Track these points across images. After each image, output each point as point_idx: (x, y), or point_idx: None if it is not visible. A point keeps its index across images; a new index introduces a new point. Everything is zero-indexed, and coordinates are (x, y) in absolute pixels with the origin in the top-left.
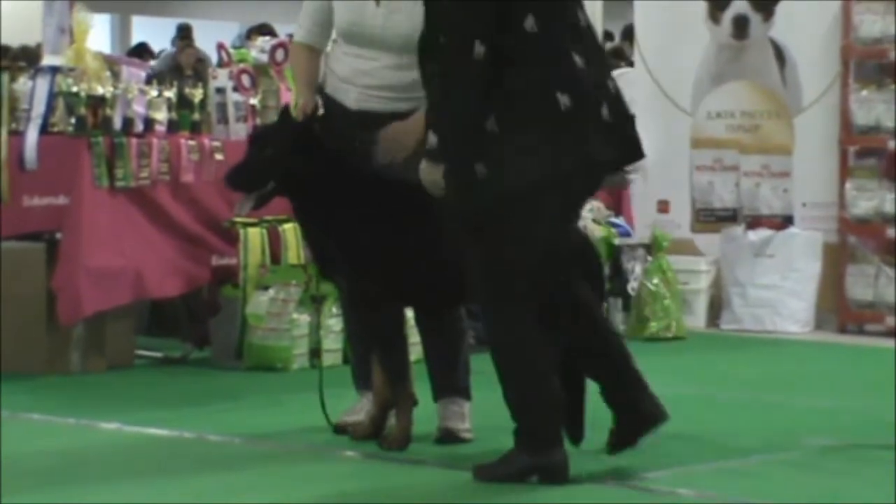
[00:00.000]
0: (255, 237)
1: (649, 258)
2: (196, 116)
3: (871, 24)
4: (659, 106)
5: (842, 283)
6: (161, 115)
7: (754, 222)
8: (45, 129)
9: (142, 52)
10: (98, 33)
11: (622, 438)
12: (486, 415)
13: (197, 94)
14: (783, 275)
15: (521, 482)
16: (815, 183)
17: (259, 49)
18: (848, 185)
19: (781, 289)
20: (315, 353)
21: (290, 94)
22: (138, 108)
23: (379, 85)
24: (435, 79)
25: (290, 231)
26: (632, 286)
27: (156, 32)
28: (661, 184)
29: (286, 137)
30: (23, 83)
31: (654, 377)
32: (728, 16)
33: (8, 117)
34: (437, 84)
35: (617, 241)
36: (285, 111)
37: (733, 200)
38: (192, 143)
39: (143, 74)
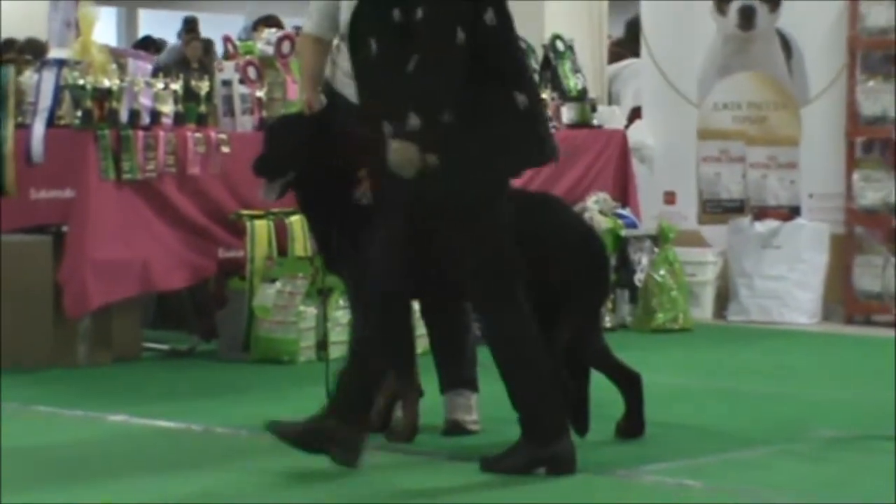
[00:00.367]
0: (261, 229)
1: (656, 249)
2: (202, 109)
3: (877, 14)
4: (665, 97)
5: (849, 274)
6: (167, 108)
7: (761, 213)
8: (51, 122)
9: (147, 44)
10: (104, 26)
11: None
12: (492, 406)
13: (203, 87)
14: (790, 266)
15: (528, 474)
16: (822, 174)
17: (265, 41)
18: (855, 176)
19: (788, 280)
20: (322, 345)
21: (296, 87)
22: (144, 101)
23: None
24: (412, 61)
25: (297, 223)
26: (638, 278)
27: (162, 25)
28: (668, 175)
29: (310, 127)
30: (29, 76)
31: (660, 369)
32: (734, 7)
33: (14, 110)
34: (419, 68)
35: (623, 232)
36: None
37: (740, 192)
38: (198, 135)
39: (149, 67)
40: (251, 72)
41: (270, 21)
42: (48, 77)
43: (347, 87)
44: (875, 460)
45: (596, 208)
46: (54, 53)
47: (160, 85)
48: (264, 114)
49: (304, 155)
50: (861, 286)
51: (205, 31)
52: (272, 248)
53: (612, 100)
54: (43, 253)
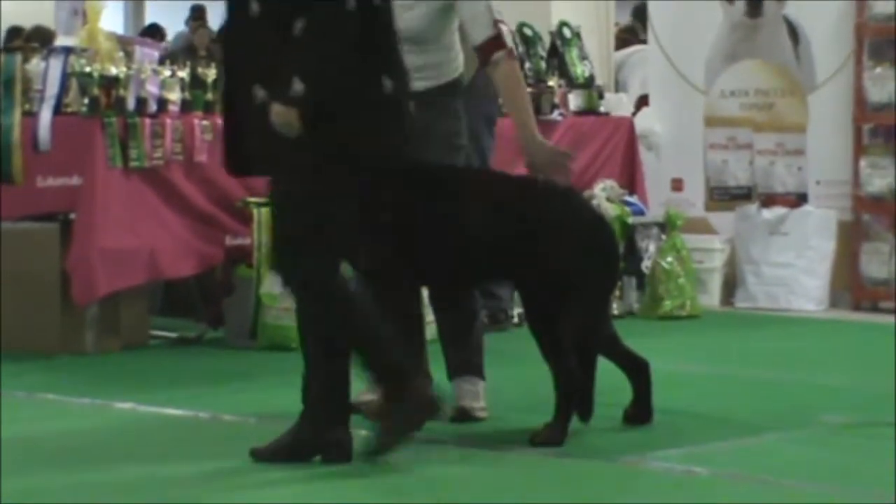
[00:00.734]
0: (268, 217)
1: (663, 237)
2: (209, 96)
3: (885, 1)
4: (672, 84)
5: (856, 260)
6: (174, 96)
7: (768, 200)
8: (58, 110)
9: (154, 32)
10: (111, 14)
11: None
12: (500, 393)
13: (210, 74)
14: (797, 253)
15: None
16: (829, 161)
17: None
18: (862, 163)
19: (796, 267)
20: None
21: None
22: (151, 89)
23: None
24: (300, 24)
25: None
26: (646, 265)
27: (169, 14)
28: (675, 162)
29: None
30: (36, 64)
31: (668, 355)
32: None
33: (21, 98)
34: (308, 32)
35: (631, 219)
36: None
37: (747, 178)
38: (205, 123)
39: (156, 55)
40: None
41: None
42: (55, 65)
43: None
44: (882, 447)
45: (603, 195)
46: (61, 41)
47: (167, 72)
48: None
49: None
50: (868, 273)
51: (212, 18)
52: None
53: (618, 87)
54: (50, 241)
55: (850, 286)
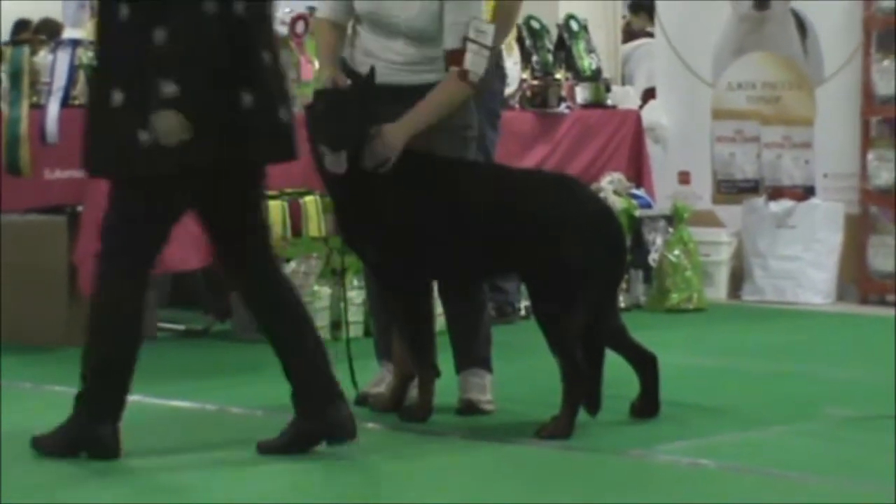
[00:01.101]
0: (275, 210)
1: (670, 230)
2: None
3: None
4: (680, 77)
5: (863, 253)
6: None
7: (776, 193)
8: (66, 103)
9: None
10: None
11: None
12: (507, 386)
13: None
14: (805, 246)
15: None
16: (836, 154)
17: (279, 21)
18: (870, 156)
19: (803, 260)
20: (337, 325)
21: (310, 67)
22: None
23: (402, 61)
24: (163, 27)
25: (311, 204)
26: (653, 258)
27: None
28: (682, 155)
29: (365, 99)
30: (43, 56)
31: (675, 349)
32: None
33: (29, 91)
34: (170, 38)
35: (637, 212)
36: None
37: (755, 171)
38: None
39: None
40: None
41: None
42: (63, 57)
43: (365, 67)
44: (889, 440)
45: (610, 188)
46: (69, 34)
47: None
48: None
49: (369, 123)
50: (875, 266)
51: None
52: (286, 229)
53: (625, 81)
54: (58, 233)
55: (858, 279)
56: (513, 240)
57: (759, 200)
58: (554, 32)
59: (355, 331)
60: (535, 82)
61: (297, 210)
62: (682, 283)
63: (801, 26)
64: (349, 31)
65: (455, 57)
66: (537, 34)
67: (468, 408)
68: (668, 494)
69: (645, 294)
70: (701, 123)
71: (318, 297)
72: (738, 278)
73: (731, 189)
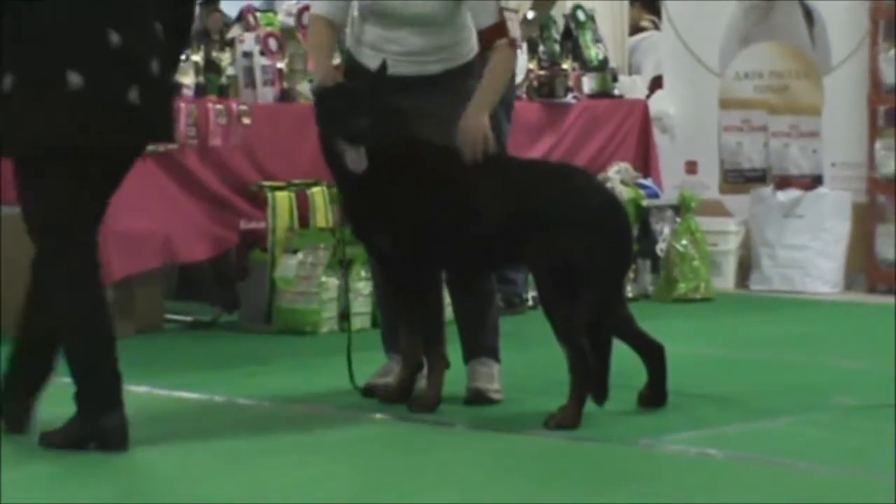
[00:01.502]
0: (283, 201)
1: (678, 219)
2: (223, 80)
3: None
4: (687, 67)
5: (871, 242)
6: (188, 80)
7: (783, 182)
8: None
9: None
10: None
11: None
12: (515, 375)
13: (224, 59)
14: (812, 235)
15: (80, 449)
16: (844, 143)
17: (286, 12)
18: (877, 145)
19: (811, 249)
20: (344, 316)
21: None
22: None
23: (407, 51)
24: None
25: (318, 194)
26: (660, 247)
27: None
28: (690, 145)
29: (375, 94)
30: None
31: (682, 338)
32: None
33: None
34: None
35: (645, 202)
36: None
37: (762, 161)
38: (219, 107)
39: None
40: (272, 43)
41: None
42: None
43: (371, 59)
44: None
45: (617, 178)
46: None
47: (181, 57)
48: (285, 85)
49: (388, 118)
50: (883, 255)
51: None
52: (294, 220)
53: (632, 70)
54: None
55: (866, 268)
56: (520, 230)
57: (767, 190)
58: (561, 22)
59: (362, 322)
60: (542, 72)
61: (305, 201)
62: (689, 272)
63: (808, 15)
64: (352, 25)
65: (498, 29)
66: (544, 24)
67: (476, 396)
68: (675, 484)
69: (652, 284)
70: (708, 113)
71: (326, 288)
72: (746, 268)
73: (739, 178)
